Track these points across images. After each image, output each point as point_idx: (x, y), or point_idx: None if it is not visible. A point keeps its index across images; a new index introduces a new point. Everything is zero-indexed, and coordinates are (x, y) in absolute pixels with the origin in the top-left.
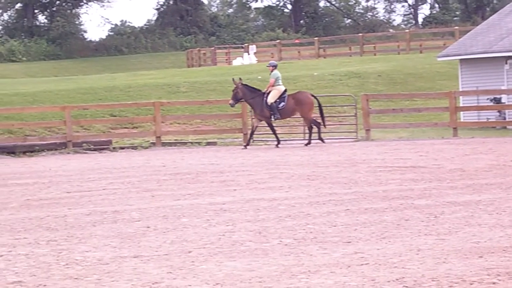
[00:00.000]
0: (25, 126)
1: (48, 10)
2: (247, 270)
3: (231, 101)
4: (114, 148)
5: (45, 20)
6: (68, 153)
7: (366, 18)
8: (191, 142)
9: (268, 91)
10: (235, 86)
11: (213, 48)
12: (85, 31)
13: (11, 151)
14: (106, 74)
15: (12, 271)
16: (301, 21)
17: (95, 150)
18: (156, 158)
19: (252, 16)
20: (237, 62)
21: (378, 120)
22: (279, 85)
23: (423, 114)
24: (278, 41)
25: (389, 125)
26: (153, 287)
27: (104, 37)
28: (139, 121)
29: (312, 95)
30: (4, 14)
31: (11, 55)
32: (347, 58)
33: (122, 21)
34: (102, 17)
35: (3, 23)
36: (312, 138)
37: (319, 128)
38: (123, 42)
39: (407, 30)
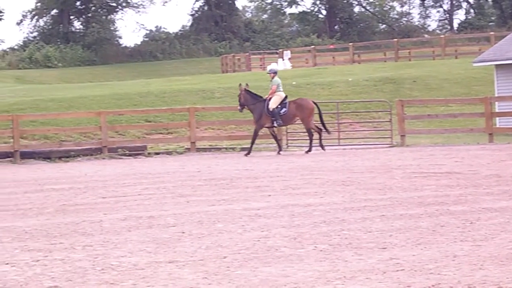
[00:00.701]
0: (60, 131)
1: (84, 16)
2: (282, 276)
3: (239, 107)
4: (149, 153)
5: (81, 26)
6: (104, 158)
7: (401, 23)
8: (226, 148)
9: (269, 98)
10: (239, 91)
11: (247, 53)
12: (120, 37)
13: (47, 157)
14: (141, 79)
15: (48, 276)
16: (336, 27)
17: (130, 155)
18: (191, 164)
19: (286, 21)
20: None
21: (413, 125)
22: (280, 91)
23: (458, 119)
24: (312, 46)
25: (424, 131)
26: None
27: (139, 43)
28: (174, 126)
29: (313, 102)
30: (40, 20)
31: (47, 61)
32: (382, 63)
33: (157, 27)
34: (137, 23)
35: (39, 29)
36: (313, 145)
37: (320, 135)
38: (158, 48)
39: (442, 36)
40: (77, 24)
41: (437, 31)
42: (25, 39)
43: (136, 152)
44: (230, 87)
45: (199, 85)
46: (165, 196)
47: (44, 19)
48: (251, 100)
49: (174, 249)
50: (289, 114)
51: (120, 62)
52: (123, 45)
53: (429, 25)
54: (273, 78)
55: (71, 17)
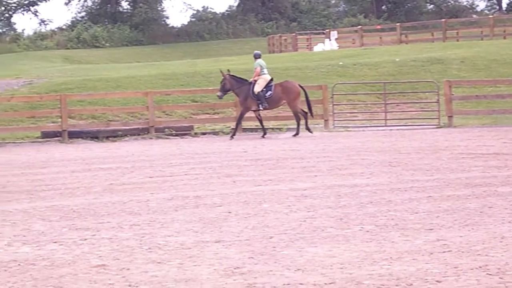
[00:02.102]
0: (108, 111)
1: None
2: (328, 256)
3: (219, 93)
4: (195, 133)
5: (128, 6)
6: (151, 138)
7: (449, 3)
8: (272, 128)
9: (255, 81)
10: (223, 77)
11: (294, 34)
12: (167, 17)
13: (94, 136)
14: (188, 60)
15: (96, 255)
16: (383, 7)
17: (176, 135)
18: (237, 144)
19: (333, 1)
20: (318, 48)
21: (460, 106)
22: (264, 74)
23: (506, 100)
24: (359, 27)
25: (472, 112)
26: (235, 272)
27: (186, 23)
28: (221, 106)
29: (299, 85)
30: (88, 0)
31: (95, 41)
32: (430, 44)
33: (204, 7)
34: (184, 3)
35: (87, 9)
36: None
37: (306, 119)
38: (205, 28)
39: (490, 16)
40: (124, 4)
41: (486, 11)
42: (73, 19)
43: (182, 132)
44: (277, 68)
45: (246, 65)
46: (211, 176)
47: None
48: (237, 84)
49: (220, 229)
50: (275, 97)
51: (167, 42)
52: (170, 25)
53: (477, 5)
54: (255, 61)
55: None
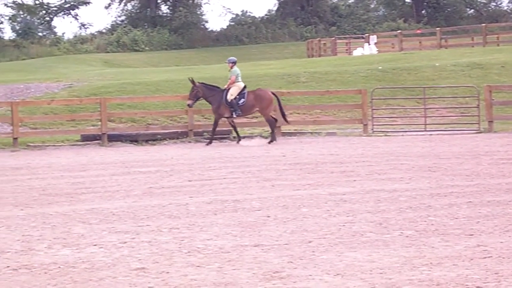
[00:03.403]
0: (147, 115)
1: (171, 1)
2: (368, 261)
3: (189, 101)
4: (234, 137)
5: (168, 10)
6: (189, 142)
7: (489, 8)
8: (311, 132)
9: (227, 88)
10: (192, 86)
11: (333, 38)
12: (206, 21)
13: (134, 140)
14: (227, 64)
15: (135, 258)
16: (423, 11)
17: (215, 139)
18: (276, 148)
19: (373, 6)
20: (357, 52)
21: (501, 111)
22: (238, 81)
23: None
24: (399, 31)
25: None
26: (274, 276)
27: (225, 27)
28: None
29: (272, 93)
30: (128, 4)
31: (134, 44)
32: (469, 48)
33: (243, 11)
34: (224, 7)
35: (126, 13)
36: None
37: (274, 127)
38: (244, 32)
39: None
40: (164, 8)
41: None
42: (113, 23)
43: (221, 136)
44: (316, 72)
45: (285, 69)
46: (250, 180)
47: (132, 3)
48: (209, 92)
49: (259, 233)
50: (248, 105)
51: (206, 46)
52: (209, 29)
53: None
54: (231, 68)
55: (158, 1)
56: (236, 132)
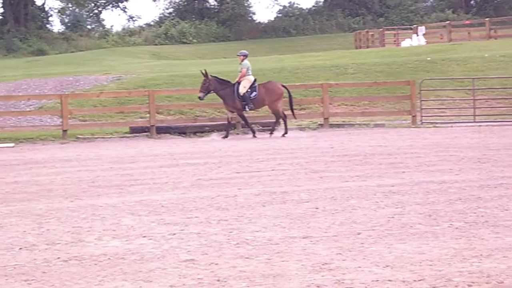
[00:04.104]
0: (195, 107)
1: None
2: (417, 253)
3: (200, 94)
4: (282, 129)
5: (215, 2)
6: (237, 133)
7: None
8: (359, 124)
9: (238, 82)
10: (204, 78)
11: (381, 29)
12: (253, 13)
13: (182, 132)
14: (274, 55)
15: (184, 249)
16: (472, 2)
17: (263, 131)
18: (324, 140)
19: None
20: (405, 43)
21: None
22: (249, 75)
23: None
24: (447, 22)
25: None
26: (323, 268)
27: (272, 19)
28: (307, 102)
29: (283, 85)
30: None
31: (182, 37)
32: None
33: (290, 2)
34: None
35: (174, 5)
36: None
37: (283, 121)
38: (291, 24)
39: None
40: (211, 0)
41: None
42: (161, 15)
43: (269, 127)
44: (364, 63)
45: (332, 61)
46: (298, 172)
47: None
48: (220, 86)
49: (308, 225)
50: (259, 98)
51: (253, 38)
52: (257, 21)
53: None
54: (242, 61)
55: None
56: (249, 126)
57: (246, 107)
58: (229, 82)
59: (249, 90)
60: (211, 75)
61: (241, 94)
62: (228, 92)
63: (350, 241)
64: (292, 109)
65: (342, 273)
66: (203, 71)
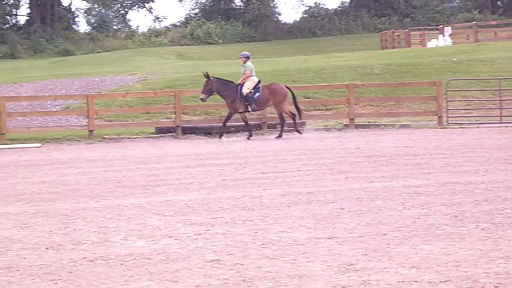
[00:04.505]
0: (221, 107)
1: None
2: (444, 254)
3: (203, 95)
4: (307, 129)
5: (241, 3)
6: (263, 134)
7: None
8: (385, 125)
9: (242, 83)
10: (206, 80)
11: (407, 30)
12: (279, 14)
13: (207, 132)
14: (300, 56)
15: (210, 250)
16: (498, 2)
17: (288, 131)
18: (350, 140)
19: None
20: (431, 44)
21: None
22: (253, 76)
23: None
24: (474, 22)
25: None
26: (349, 268)
27: (298, 19)
28: (333, 103)
29: (287, 87)
30: None
31: (208, 37)
32: None
33: (316, 3)
34: None
35: (200, 5)
36: (283, 130)
37: (294, 120)
38: (317, 24)
39: None
40: (237, 1)
41: None
42: (187, 16)
43: (296, 128)
44: (390, 64)
45: (358, 61)
46: (324, 172)
47: None
48: (223, 87)
49: (333, 225)
50: (263, 99)
51: (279, 38)
52: (283, 22)
53: None
54: (245, 62)
55: None
56: (248, 128)
57: (249, 107)
58: (232, 82)
59: (252, 90)
60: (213, 77)
61: (244, 94)
62: (230, 92)
63: (375, 242)
64: (298, 109)
65: (367, 274)
66: (205, 73)
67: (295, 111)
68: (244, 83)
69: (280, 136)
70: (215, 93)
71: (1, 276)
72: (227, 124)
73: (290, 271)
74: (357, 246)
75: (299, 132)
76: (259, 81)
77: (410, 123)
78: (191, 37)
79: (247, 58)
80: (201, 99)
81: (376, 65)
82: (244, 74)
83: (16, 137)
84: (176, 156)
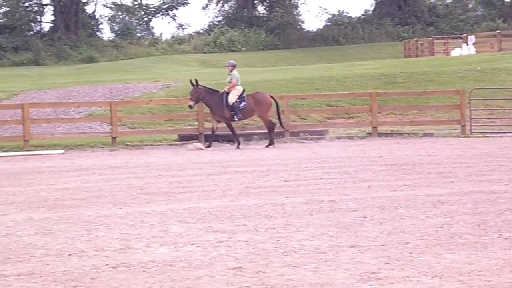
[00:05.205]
0: None
1: (268, 1)
2: (466, 263)
3: (191, 102)
4: (330, 137)
5: (264, 11)
6: (285, 142)
7: None
8: (408, 133)
9: (227, 92)
10: (194, 87)
11: (431, 38)
12: (302, 22)
13: (230, 140)
14: (323, 64)
15: (232, 257)
16: None
17: (311, 139)
18: (372, 149)
19: (471, 6)
20: (455, 52)
21: None
22: (238, 85)
23: None
24: (498, 31)
25: None
26: (371, 277)
27: (321, 27)
28: (356, 111)
29: (271, 96)
30: (225, 5)
31: (231, 45)
32: None
33: (339, 11)
34: (320, 7)
35: (223, 13)
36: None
37: (273, 131)
38: (340, 33)
39: None
40: (260, 9)
41: None
42: (210, 23)
43: (317, 136)
44: (413, 72)
45: (381, 69)
46: (346, 181)
47: (229, 3)
48: (209, 96)
49: (355, 234)
50: (248, 108)
51: (302, 46)
52: (306, 30)
53: None
54: (231, 71)
55: (255, 1)
56: (235, 136)
57: (235, 117)
58: (217, 91)
59: (238, 100)
60: (200, 85)
61: (230, 104)
62: (217, 101)
63: (398, 250)
64: (279, 119)
65: (390, 283)
66: (193, 80)
67: (276, 121)
68: (229, 92)
69: (270, 144)
70: (201, 101)
71: (24, 282)
72: (240, 130)
73: (312, 279)
74: (379, 255)
75: (272, 143)
76: (243, 90)
77: (433, 132)
78: (214, 44)
79: (234, 67)
80: (189, 106)
81: (400, 74)
82: (230, 82)
83: (40, 144)
84: (198, 163)
